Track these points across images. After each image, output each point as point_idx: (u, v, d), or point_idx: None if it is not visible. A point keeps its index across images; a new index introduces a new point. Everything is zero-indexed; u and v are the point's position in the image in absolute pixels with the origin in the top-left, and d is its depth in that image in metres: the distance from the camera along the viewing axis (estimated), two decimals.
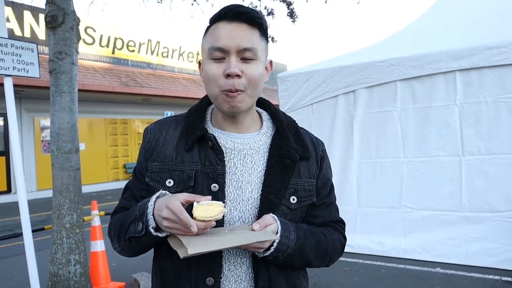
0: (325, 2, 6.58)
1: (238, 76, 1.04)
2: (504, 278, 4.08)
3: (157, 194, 1.06)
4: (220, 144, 1.13)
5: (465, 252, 4.50)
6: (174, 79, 15.54)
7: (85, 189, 11.62)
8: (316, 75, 5.50)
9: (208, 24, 1.12)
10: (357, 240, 5.06)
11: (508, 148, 4.33)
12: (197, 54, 16.96)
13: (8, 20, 10.66)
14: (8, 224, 8.65)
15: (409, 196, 4.88)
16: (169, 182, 1.12)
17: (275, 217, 1.07)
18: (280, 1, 6.08)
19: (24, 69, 3.45)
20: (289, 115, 1.27)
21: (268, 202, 1.09)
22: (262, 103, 1.27)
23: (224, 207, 0.99)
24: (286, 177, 1.12)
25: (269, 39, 6.04)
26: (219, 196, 1.08)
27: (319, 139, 1.28)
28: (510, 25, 4.64)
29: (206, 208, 0.95)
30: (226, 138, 1.15)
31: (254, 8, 1.06)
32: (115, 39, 13.91)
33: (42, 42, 11.19)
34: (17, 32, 11.09)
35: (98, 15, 11.65)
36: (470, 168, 4.54)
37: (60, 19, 3.68)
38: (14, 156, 3.29)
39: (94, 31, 13.20)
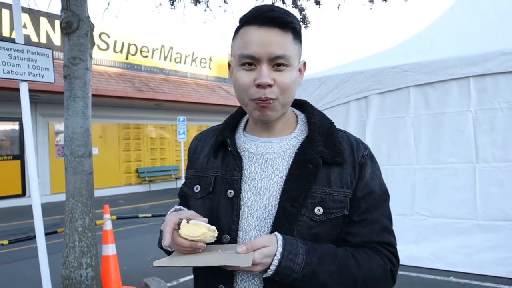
0: (338, 8, 6.59)
1: (269, 85, 0.98)
2: None
3: (172, 209, 1.10)
4: (243, 149, 1.11)
5: (478, 261, 4.42)
6: (186, 84, 15.65)
7: (98, 193, 11.71)
8: (328, 81, 5.48)
9: (238, 25, 1.05)
10: None
11: None
12: (210, 59, 17.07)
13: (25, 26, 10.87)
14: (22, 227, 8.75)
15: (422, 203, 4.82)
16: (197, 188, 1.13)
17: (280, 238, 0.96)
18: (293, 7, 6.09)
19: (39, 74, 3.51)
20: (328, 117, 1.17)
21: (283, 211, 1.00)
22: (300, 105, 1.20)
23: (214, 230, 0.97)
24: (307, 184, 1.01)
25: None
26: (234, 202, 1.05)
27: (363, 143, 1.13)
28: None
29: (191, 228, 0.94)
30: (250, 143, 1.11)
31: (286, 10, 1.04)
32: (129, 44, 14.07)
33: (58, 48, 11.38)
34: (34, 38, 11.29)
35: (112, 21, 11.79)
36: (484, 175, 4.46)
37: (75, 25, 3.74)
38: (28, 160, 3.34)
39: (109, 37, 13.38)
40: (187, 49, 16.10)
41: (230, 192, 1.06)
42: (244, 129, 1.18)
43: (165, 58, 15.35)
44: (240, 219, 1.04)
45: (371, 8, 6.87)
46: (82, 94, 3.77)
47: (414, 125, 4.93)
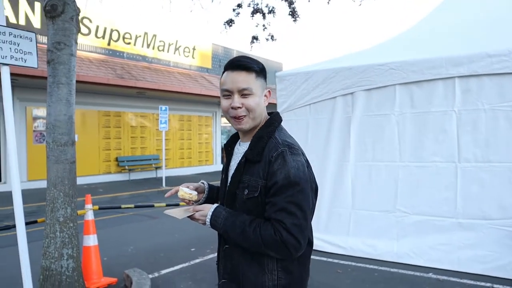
0: (328, 3, 6.56)
1: (239, 107, 1.52)
2: (495, 286, 4.11)
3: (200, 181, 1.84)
4: (235, 148, 1.70)
5: (457, 258, 4.52)
6: (169, 73, 15.44)
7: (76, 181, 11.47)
8: (315, 75, 5.48)
9: (223, 70, 1.60)
10: (350, 243, 5.06)
11: (504, 156, 4.35)
12: (193, 49, 16.88)
13: None
14: None
15: (404, 200, 4.88)
16: None
17: (213, 207, 1.54)
18: (282, 0, 6.04)
19: (22, 58, 3.40)
20: (274, 128, 1.57)
21: (228, 190, 1.59)
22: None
23: (190, 194, 1.66)
24: (238, 174, 1.56)
25: (269, 37, 6.00)
26: (223, 182, 1.68)
27: (277, 148, 1.49)
28: (511, 33, 4.65)
29: (179, 191, 1.66)
30: (236, 145, 1.71)
31: (250, 58, 1.57)
32: (111, 30, 13.79)
33: (38, 31, 11.05)
34: (12, 20, 10.92)
35: (95, 6, 11.50)
36: (465, 174, 4.55)
37: (60, 9, 3.61)
38: (8, 146, 3.24)
39: (91, 21, 13.07)
40: (171, 37, 15.86)
41: (223, 175, 1.70)
42: None
43: (148, 45, 15.10)
44: (226, 192, 1.62)
45: (360, 4, 6.88)
46: (66, 80, 3.66)
47: (398, 123, 4.98)
